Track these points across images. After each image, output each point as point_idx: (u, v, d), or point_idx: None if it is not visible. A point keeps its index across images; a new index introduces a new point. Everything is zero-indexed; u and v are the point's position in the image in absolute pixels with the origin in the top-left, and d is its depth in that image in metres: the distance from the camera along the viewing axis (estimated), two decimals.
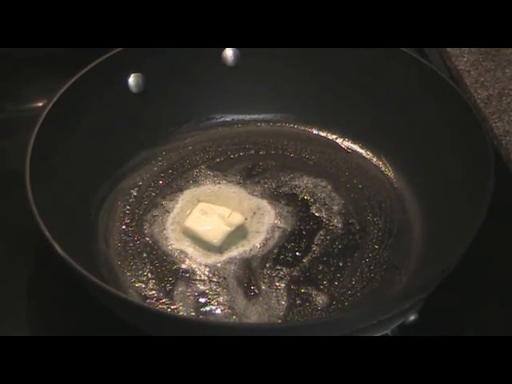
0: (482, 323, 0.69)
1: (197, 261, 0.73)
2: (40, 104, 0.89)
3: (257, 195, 0.79)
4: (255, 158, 0.83)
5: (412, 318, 0.65)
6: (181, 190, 0.79)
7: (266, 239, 0.74)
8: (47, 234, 0.64)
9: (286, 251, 0.74)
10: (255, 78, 0.85)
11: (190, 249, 0.73)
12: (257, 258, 0.73)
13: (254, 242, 0.74)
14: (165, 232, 0.75)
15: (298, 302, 0.70)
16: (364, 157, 0.83)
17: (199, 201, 0.78)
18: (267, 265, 0.72)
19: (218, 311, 0.69)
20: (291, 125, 0.86)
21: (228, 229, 0.73)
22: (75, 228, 0.71)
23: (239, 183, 0.80)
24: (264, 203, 0.78)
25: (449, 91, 0.75)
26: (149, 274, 0.72)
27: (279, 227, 0.76)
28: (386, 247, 0.74)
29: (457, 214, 0.70)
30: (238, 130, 0.86)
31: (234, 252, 0.73)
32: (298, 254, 0.73)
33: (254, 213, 0.77)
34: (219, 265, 0.72)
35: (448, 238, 0.69)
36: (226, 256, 0.73)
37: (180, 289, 0.71)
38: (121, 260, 0.73)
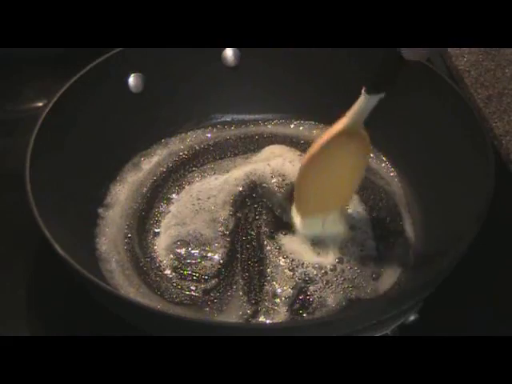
0: (482, 323, 0.69)
1: (197, 262, 0.73)
2: (40, 104, 0.90)
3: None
4: (255, 158, 0.83)
5: (412, 318, 0.65)
6: (181, 189, 0.79)
7: None
8: (47, 234, 0.64)
9: None
10: (255, 78, 0.85)
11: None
12: None
13: None
14: (165, 231, 0.75)
15: (298, 300, 0.70)
16: None
17: (200, 200, 0.78)
18: None
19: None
20: (291, 125, 0.86)
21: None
22: (75, 228, 0.71)
23: (240, 183, 0.80)
24: None
25: (449, 91, 0.75)
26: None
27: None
28: (386, 247, 0.74)
29: (457, 214, 0.70)
30: (238, 130, 0.86)
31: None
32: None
33: None
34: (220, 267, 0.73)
35: (448, 238, 0.69)
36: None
37: (179, 287, 0.71)
38: (121, 260, 0.73)
